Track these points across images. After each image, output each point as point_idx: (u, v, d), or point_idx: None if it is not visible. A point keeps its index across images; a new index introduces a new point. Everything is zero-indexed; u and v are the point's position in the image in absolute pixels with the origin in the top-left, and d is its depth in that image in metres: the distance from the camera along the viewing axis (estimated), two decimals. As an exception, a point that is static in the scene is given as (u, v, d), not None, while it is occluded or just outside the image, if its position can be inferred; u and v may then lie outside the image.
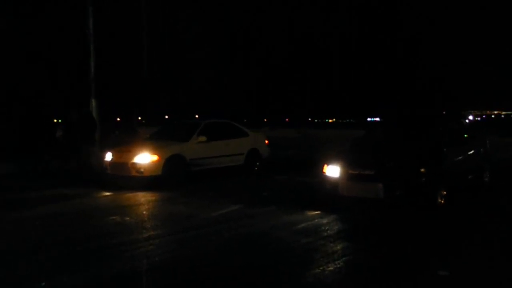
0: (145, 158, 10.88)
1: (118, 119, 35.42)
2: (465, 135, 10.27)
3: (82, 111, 13.14)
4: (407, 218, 7.89)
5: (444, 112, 11.20)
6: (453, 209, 8.28)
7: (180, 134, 12.13)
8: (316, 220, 7.67)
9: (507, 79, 43.24)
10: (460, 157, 9.37)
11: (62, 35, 26.55)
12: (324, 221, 7.63)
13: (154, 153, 10.98)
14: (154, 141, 12.06)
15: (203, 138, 11.79)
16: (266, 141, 13.70)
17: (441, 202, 8.25)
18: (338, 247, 6.20)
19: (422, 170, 8.07)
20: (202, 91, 41.75)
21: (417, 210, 8.23)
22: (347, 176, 8.49)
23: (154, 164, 10.88)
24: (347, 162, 8.67)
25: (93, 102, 15.13)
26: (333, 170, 8.70)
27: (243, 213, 8.23)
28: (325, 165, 8.91)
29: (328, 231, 7.02)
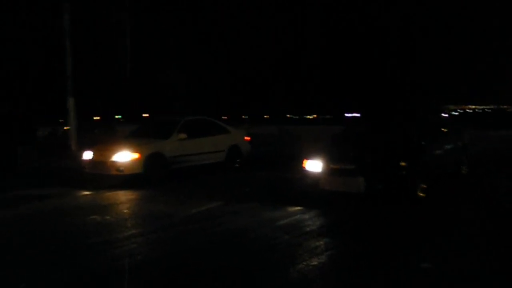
0: (125, 156, 10.76)
1: (97, 118, 35.09)
2: (443, 129, 10.41)
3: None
4: (388, 212, 7.93)
5: (422, 107, 11.30)
6: (432, 202, 8.37)
7: (160, 132, 12.01)
8: (298, 216, 7.68)
9: (481, 75, 43.80)
10: (438, 151, 9.48)
11: (37, 34, 26.18)
12: (306, 216, 7.65)
13: (134, 151, 10.86)
14: (134, 139, 11.94)
15: (183, 136, 11.71)
16: (247, 138, 13.67)
17: (421, 195, 8.33)
18: (321, 242, 6.22)
19: (402, 163, 8.14)
20: (180, 89, 41.45)
21: (397, 204, 8.30)
22: (328, 170, 8.54)
23: (134, 162, 10.77)
24: (328, 157, 8.71)
25: (70, 101, 14.96)
26: (313, 165, 8.73)
27: (225, 210, 8.19)
28: (305, 160, 8.93)
29: (311, 226, 7.04)
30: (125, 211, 8.59)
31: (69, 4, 14.98)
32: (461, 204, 8.45)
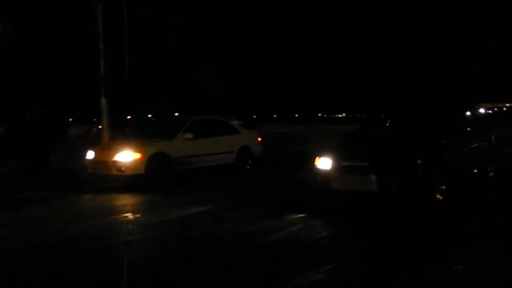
0: (126, 156, 10.19)
1: (129, 117, 35.29)
2: (468, 129, 9.52)
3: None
4: (404, 215, 7.21)
5: (447, 105, 10.36)
6: (453, 206, 7.55)
7: (165, 131, 11.44)
8: (306, 221, 7.02)
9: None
10: (462, 151, 8.61)
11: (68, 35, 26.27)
12: (315, 222, 7.01)
13: (137, 151, 10.27)
14: (137, 138, 11.45)
15: (189, 135, 11.07)
16: (259, 139, 12.96)
17: (439, 198, 7.49)
18: (335, 248, 5.85)
19: (419, 161, 7.33)
20: (208, 89, 41.21)
21: (414, 206, 7.49)
22: (338, 168, 7.78)
23: (137, 162, 10.17)
24: (339, 154, 7.96)
25: (103, 100, 14.68)
26: (324, 163, 7.98)
27: (229, 215, 7.56)
28: (317, 158, 8.18)
29: (323, 232, 6.56)
30: (128, 215, 8.08)
31: (102, 6, 14.66)
32: (483, 209, 7.59)
